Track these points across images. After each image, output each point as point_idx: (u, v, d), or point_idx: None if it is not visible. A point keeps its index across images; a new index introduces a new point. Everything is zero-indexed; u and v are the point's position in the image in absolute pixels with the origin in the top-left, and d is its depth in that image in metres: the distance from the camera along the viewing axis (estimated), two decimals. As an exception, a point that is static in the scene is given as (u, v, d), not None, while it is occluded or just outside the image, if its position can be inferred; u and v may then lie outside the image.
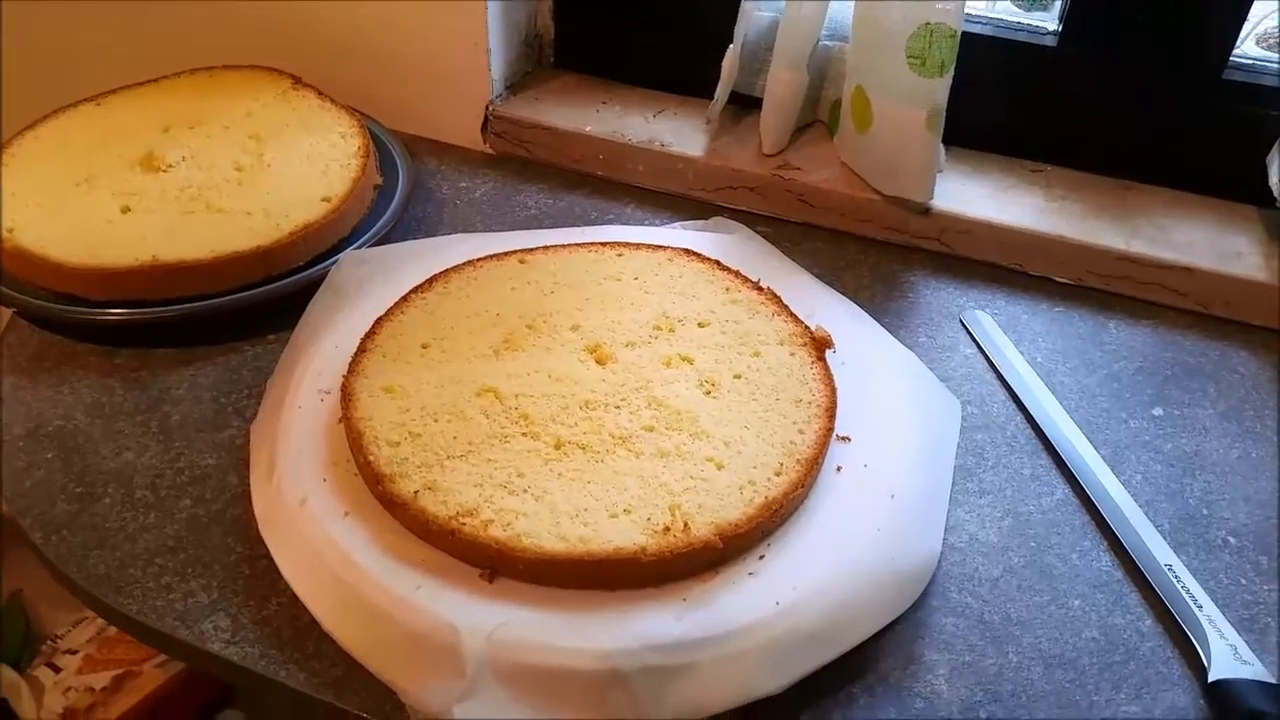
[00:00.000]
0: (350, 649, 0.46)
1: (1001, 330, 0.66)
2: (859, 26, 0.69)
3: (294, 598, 0.48)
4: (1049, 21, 0.74)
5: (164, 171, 0.68)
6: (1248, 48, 0.72)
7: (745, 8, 0.72)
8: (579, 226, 0.72)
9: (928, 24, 0.64)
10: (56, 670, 1.07)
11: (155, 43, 0.87)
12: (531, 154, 0.81)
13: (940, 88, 0.66)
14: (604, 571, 0.46)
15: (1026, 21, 0.75)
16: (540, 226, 0.74)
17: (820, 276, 0.67)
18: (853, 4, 0.70)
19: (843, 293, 0.66)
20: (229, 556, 0.52)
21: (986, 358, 0.65)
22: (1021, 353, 0.65)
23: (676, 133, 0.79)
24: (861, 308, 0.65)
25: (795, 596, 0.45)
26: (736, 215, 0.75)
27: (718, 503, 0.48)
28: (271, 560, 0.50)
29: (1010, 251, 0.71)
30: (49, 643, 1.12)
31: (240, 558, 0.52)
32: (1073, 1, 0.71)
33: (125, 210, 0.65)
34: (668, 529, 0.47)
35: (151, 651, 1.05)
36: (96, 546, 0.52)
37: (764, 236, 0.70)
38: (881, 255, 0.73)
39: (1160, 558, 0.52)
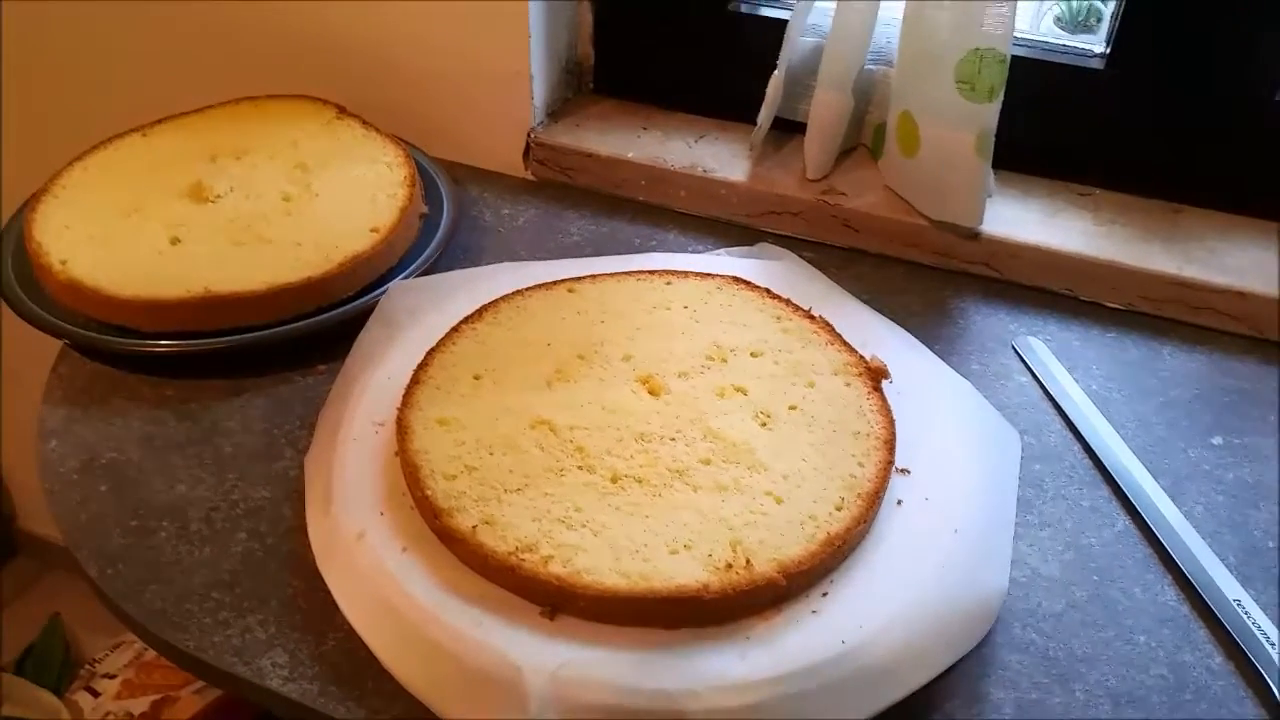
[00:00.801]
0: (410, 686, 0.46)
1: (1055, 357, 0.65)
2: (905, 51, 0.69)
3: (350, 633, 0.48)
4: (1095, 44, 0.74)
5: (212, 202, 0.69)
6: (1300, 68, 0.71)
7: (791, 33, 0.71)
8: (623, 254, 0.72)
9: (977, 50, 0.64)
10: (95, 695, 1.07)
11: (199, 72, 0.88)
12: (573, 180, 0.81)
13: (990, 112, 0.65)
14: (666, 609, 0.45)
15: (1071, 44, 0.75)
16: (584, 253, 0.74)
17: (867, 303, 0.67)
18: (898, 28, 0.69)
19: (892, 319, 0.66)
20: (285, 591, 0.51)
21: (1041, 385, 0.64)
22: (1076, 380, 0.64)
23: (718, 158, 0.78)
24: (912, 335, 0.64)
25: (862, 636, 0.45)
26: (780, 240, 0.74)
27: (779, 538, 0.48)
28: (327, 595, 0.49)
29: (1060, 276, 0.70)
30: (87, 667, 1.12)
31: (296, 592, 0.51)
32: (1121, 24, 0.70)
33: (175, 241, 0.66)
34: (729, 565, 0.46)
35: (189, 677, 1.05)
36: (152, 581, 0.52)
37: (808, 261, 0.70)
38: (929, 281, 0.72)
39: (1228, 592, 0.51)
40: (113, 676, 1.09)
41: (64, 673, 1.17)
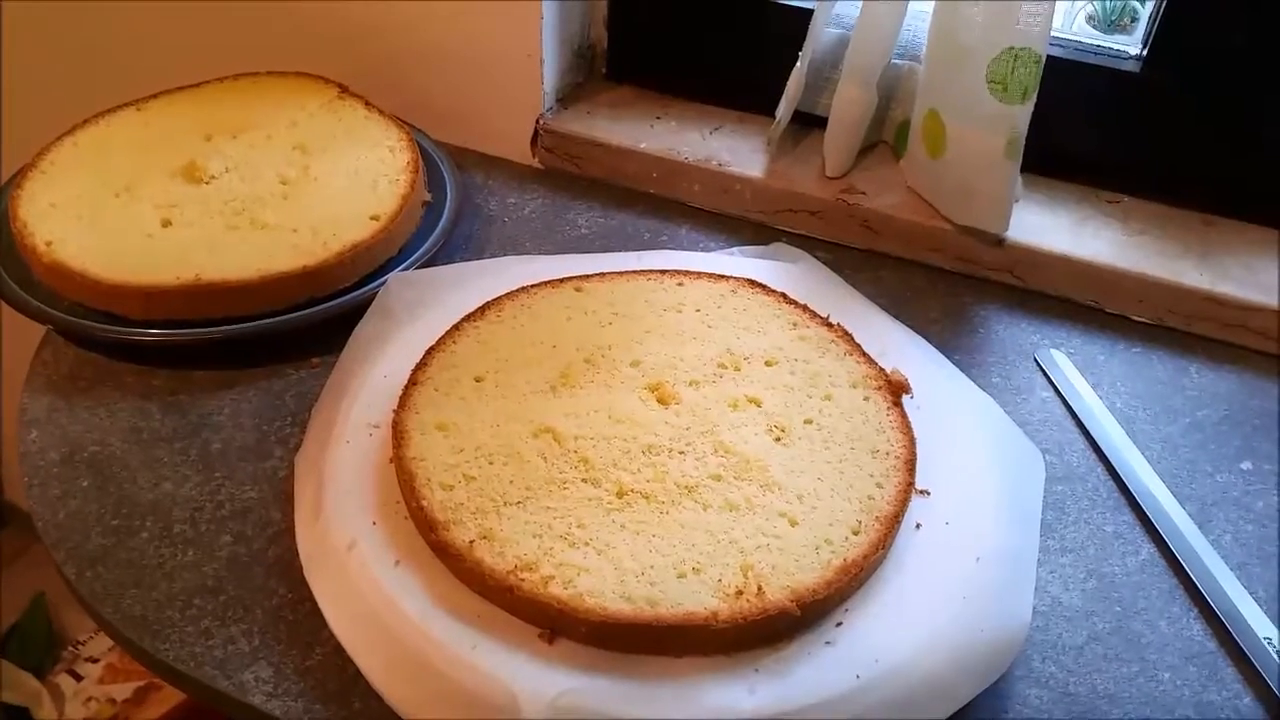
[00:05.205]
0: (399, 709, 0.43)
1: (1079, 371, 0.63)
2: (934, 48, 0.66)
3: (338, 647, 0.46)
4: (1131, 45, 0.71)
5: (206, 183, 0.66)
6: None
7: (815, 25, 0.68)
8: (632, 249, 0.69)
9: (1011, 49, 0.61)
10: (78, 678, 1.05)
11: (196, 45, 0.85)
12: (582, 169, 0.78)
13: (1022, 114, 0.63)
14: (672, 637, 0.43)
15: (1106, 45, 0.72)
16: (591, 247, 0.71)
17: (885, 307, 0.64)
18: (927, 23, 0.66)
19: (911, 326, 0.63)
20: (270, 600, 0.49)
21: (1064, 401, 0.61)
22: (1100, 397, 0.62)
23: (734, 151, 0.75)
24: (931, 344, 0.62)
25: (878, 670, 0.42)
26: (795, 239, 0.72)
27: (793, 564, 0.45)
28: (314, 605, 0.47)
29: (1087, 287, 0.68)
30: (70, 649, 1.10)
31: (282, 601, 0.49)
32: (1160, 25, 0.67)
33: (166, 224, 0.63)
34: (740, 592, 0.44)
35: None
36: (133, 585, 0.50)
37: (823, 263, 0.67)
38: (950, 287, 0.69)
39: (1258, 629, 0.49)
40: (96, 660, 1.07)
41: (48, 652, 1.15)
